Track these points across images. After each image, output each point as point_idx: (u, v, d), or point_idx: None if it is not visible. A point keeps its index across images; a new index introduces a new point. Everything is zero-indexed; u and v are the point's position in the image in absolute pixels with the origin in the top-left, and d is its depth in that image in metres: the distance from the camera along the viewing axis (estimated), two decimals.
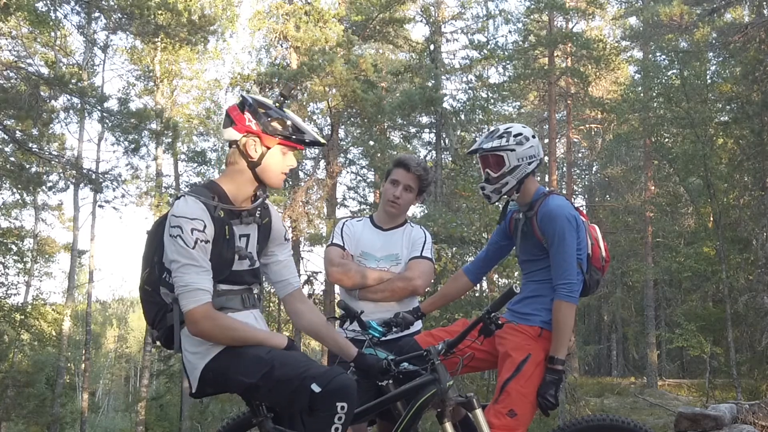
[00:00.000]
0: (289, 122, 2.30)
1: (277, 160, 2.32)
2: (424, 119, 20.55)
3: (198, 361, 2.27)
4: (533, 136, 2.92)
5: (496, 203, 3.11)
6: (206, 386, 2.30)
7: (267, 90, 15.25)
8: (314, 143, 2.37)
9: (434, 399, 2.49)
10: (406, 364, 2.60)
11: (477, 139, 3.07)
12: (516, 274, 14.16)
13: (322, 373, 2.13)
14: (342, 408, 2.10)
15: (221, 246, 2.27)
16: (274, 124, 2.28)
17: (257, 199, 2.41)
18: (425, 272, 3.20)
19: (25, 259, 20.19)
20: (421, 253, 3.23)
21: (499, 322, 2.55)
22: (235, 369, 2.22)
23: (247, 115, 2.29)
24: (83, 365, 21.34)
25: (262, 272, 2.50)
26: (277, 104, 2.33)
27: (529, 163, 2.87)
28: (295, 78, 14.43)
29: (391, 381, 2.55)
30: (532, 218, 2.88)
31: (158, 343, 2.44)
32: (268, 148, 2.28)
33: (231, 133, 2.30)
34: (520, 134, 2.89)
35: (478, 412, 2.51)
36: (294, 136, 2.31)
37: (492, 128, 3.02)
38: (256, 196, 2.41)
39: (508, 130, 2.91)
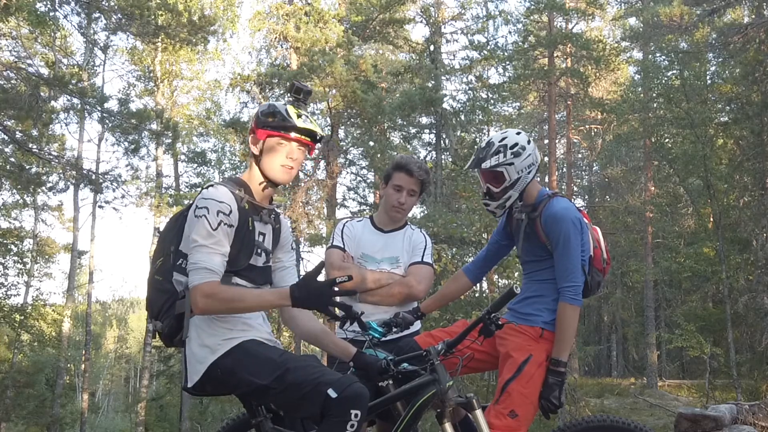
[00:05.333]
0: (277, 114, 2.32)
1: (273, 153, 2.34)
2: (424, 120, 20.55)
3: (207, 355, 2.27)
4: (529, 142, 2.88)
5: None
6: (210, 383, 2.29)
7: (267, 90, 15.25)
8: (291, 128, 2.30)
9: (434, 399, 2.49)
10: (406, 365, 2.60)
11: (475, 147, 2.99)
12: (516, 274, 14.16)
13: (338, 380, 2.15)
14: (356, 416, 2.11)
15: (243, 236, 2.32)
16: (266, 117, 2.34)
17: (270, 203, 2.48)
18: (426, 278, 3.21)
19: (24, 260, 20.19)
20: (422, 259, 3.24)
21: (500, 322, 2.55)
22: (246, 369, 2.23)
23: (255, 114, 2.40)
24: (83, 366, 21.34)
25: None
26: (286, 104, 2.36)
27: (529, 172, 2.85)
28: (295, 78, 14.43)
29: (391, 381, 2.56)
30: (536, 219, 2.86)
31: (158, 336, 2.42)
32: (263, 142, 2.34)
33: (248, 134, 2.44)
34: (516, 144, 2.83)
35: (478, 412, 2.51)
36: (275, 125, 2.32)
37: (486, 141, 2.93)
38: (272, 200, 2.48)
39: (504, 142, 2.84)
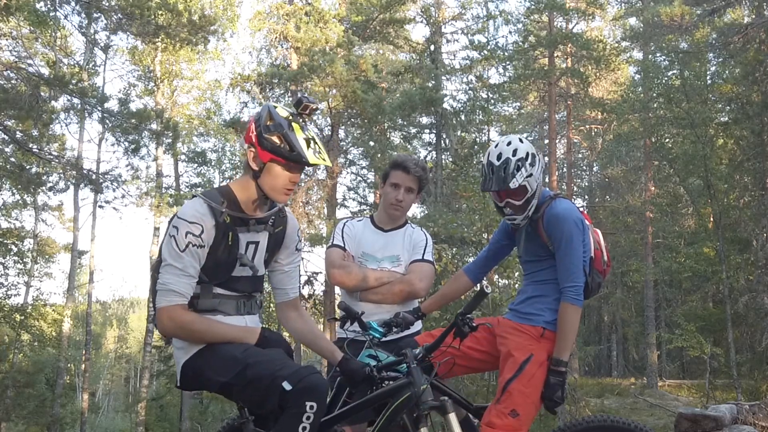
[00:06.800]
0: (285, 139, 2.22)
1: (276, 176, 2.26)
2: (425, 120, 20.55)
3: (180, 356, 2.32)
4: (530, 145, 2.85)
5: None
6: (187, 382, 2.34)
7: (267, 90, 15.25)
8: (304, 163, 2.25)
9: (409, 403, 2.47)
10: (404, 366, 2.59)
11: (485, 164, 2.77)
12: (516, 274, 14.16)
13: (294, 372, 2.14)
14: (311, 407, 2.10)
15: (221, 251, 2.28)
16: (272, 138, 2.22)
17: (273, 207, 2.40)
18: (426, 275, 3.22)
19: (25, 260, 20.21)
20: (423, 256, 3.24)
21: (474, 324, 2.54)
22: (209, 367, 2.25)
23: (253, 126, 2.28)
24: (83, 366, 21.35)
25: (266, 277, 2.51)
26: (289, 118, 2.25)
27: (542, 176, 2.86)
28: (295, 78, 14.43)
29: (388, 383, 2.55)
30: (538, 220, 2.87)
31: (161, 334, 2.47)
32: (266, 164, 2.25)
33: (243, 141, 2.35)
34: (528, 154, 2.79)
35: (451, 416, 2.48)
36: (286, 155, 2.23)
37: (497, 156, 2.80)
38: (272, 205, 2.40)
39: (519, 156, 2.78)
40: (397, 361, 2.59)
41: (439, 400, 2.51)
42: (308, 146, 2.24)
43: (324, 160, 2.29)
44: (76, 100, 14.15)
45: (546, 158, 21.92)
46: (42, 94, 12.06)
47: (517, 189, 2.79)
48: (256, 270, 2.38)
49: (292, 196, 14.50)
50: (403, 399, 2.45)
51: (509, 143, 2.83)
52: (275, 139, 2.23)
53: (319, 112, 15.92)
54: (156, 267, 2.37)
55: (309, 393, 2.10)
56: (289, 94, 15.38)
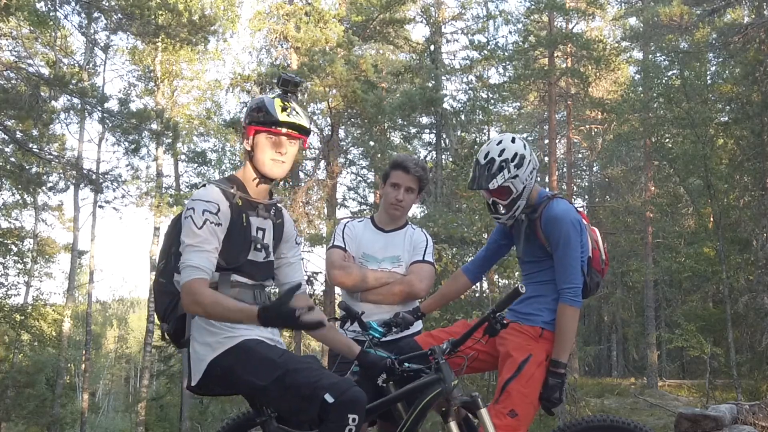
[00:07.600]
0: (263, 109, 2.32)
1: (262, 148, 2.33)
2: (425, 120, 20.57)
3: (207, 353, 2.27)
4: (525, 147, 2.85)
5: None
6: (211, 382, 2.29)
7: (267, 90, 15.25)
8: (275, 123, 2.28)
9: (439, 398, 2.48)
10: (409, 364, 2.60)
11: (475, 154, 2.89)
12: (516, 274, 14.15)
13: (335, 384, 2.14)
14: (353, 420, 2.11)
15: (237, 233, 2.31)
16: (254, 113, 2.33)
17: (272, 197, 2.47)
18: (427, 276, 3.22)
19: (25, 260, 20.21)
20: (423, 257, 3.24)
21: (504, 321, 2.55)
22: (244, 368, 2.22)
23: (245, 110, 2.39)
24: (83, 366, 21.35)
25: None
26: (273, 97, 2.35)
27: (532, 178, 2.84)
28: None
29: (391, 381, 2.55)
30: (536, 221, 2.86)
31: (167, 336, 2.44)
32: (253, 138, 2.34)
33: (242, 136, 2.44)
34: (516, 155, 2.79)
35: (483, 411, 2.50)
36: (262, 120, 2.31)
37: (484, 155, 2.83)
38: (271, 194, 2.47)
39: (504, 156, 2.78)
40: (417, 355, 2.60)
41: (470, 395, 2.52)
42: (282, 110, 2.31)
43: (297, 120, 2.32)
44: (76, 100, 14.18)
45: (546, 158, 21.92)
46: (42, 94, 12.07)
47: (499, 190, 2.80)
48: (270, 252, 2.42)
49: (295, 194, 14.53)
50: (433, 395, 2.46)
51: (499, 143, 2.84)
52: (257, 113, 2.33)
53: (319, 112, 15.94)
54: (160, 272, 2.38)
55: (352, 406, 2.11)
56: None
